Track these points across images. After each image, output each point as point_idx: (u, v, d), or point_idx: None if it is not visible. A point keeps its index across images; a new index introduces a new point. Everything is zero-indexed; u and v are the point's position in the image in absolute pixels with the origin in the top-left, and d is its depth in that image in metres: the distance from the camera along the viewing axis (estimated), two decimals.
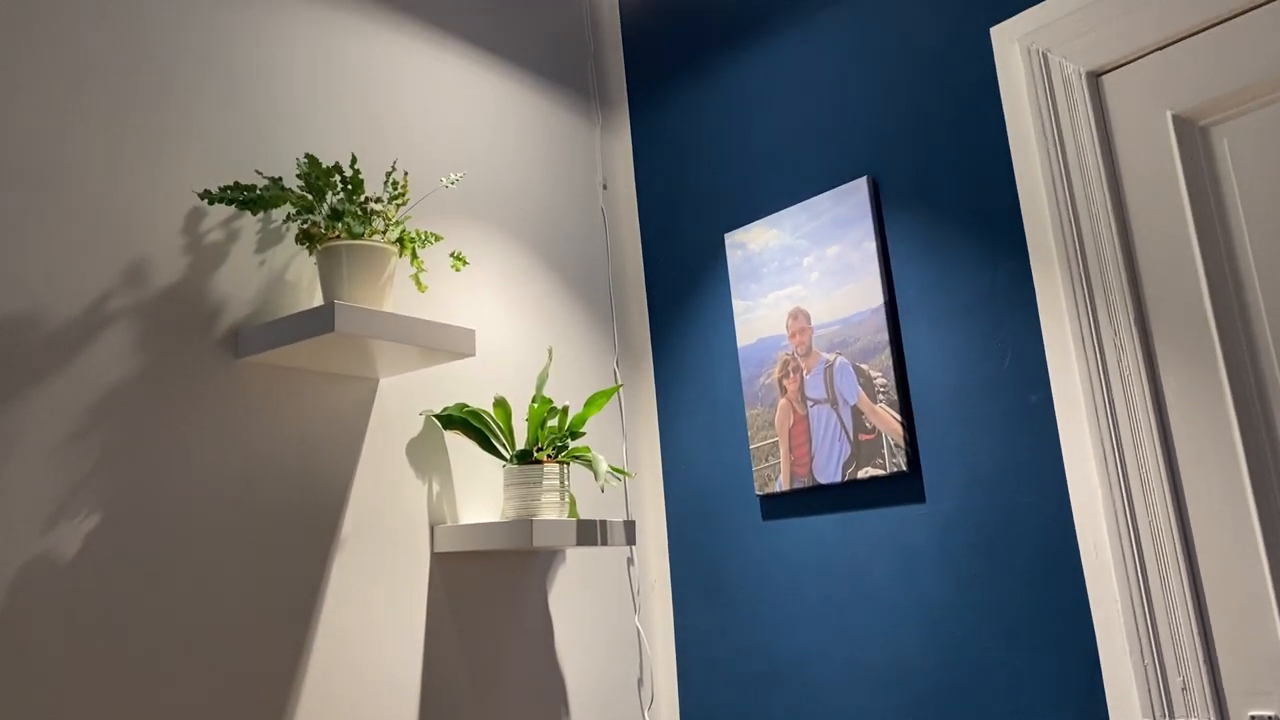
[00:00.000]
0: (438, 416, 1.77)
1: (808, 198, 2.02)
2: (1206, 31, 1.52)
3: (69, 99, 1.43)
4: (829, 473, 1.88)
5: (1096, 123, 1.62)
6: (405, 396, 1.78)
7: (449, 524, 1.78)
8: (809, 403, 1.93)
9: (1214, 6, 1.50)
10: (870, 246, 1.88)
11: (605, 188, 2.41)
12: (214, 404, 1.50)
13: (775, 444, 1.98)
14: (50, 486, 1.30)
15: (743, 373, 2.06)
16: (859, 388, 1.85)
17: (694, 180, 2.28)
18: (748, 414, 2.04)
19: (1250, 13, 1.48)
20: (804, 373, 1.95)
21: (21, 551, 1.26)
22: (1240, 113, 1.50)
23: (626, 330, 2.33)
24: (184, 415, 1.46)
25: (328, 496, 1.62)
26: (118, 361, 1.40)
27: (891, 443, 1.79)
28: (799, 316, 1.98)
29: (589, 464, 1.74)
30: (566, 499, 1.76)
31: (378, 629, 1.64)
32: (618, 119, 2.47)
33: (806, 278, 1.97)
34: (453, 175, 1.79)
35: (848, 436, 1.86)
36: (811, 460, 1.91)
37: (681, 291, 2.26)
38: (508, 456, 1.78)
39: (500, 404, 1.81)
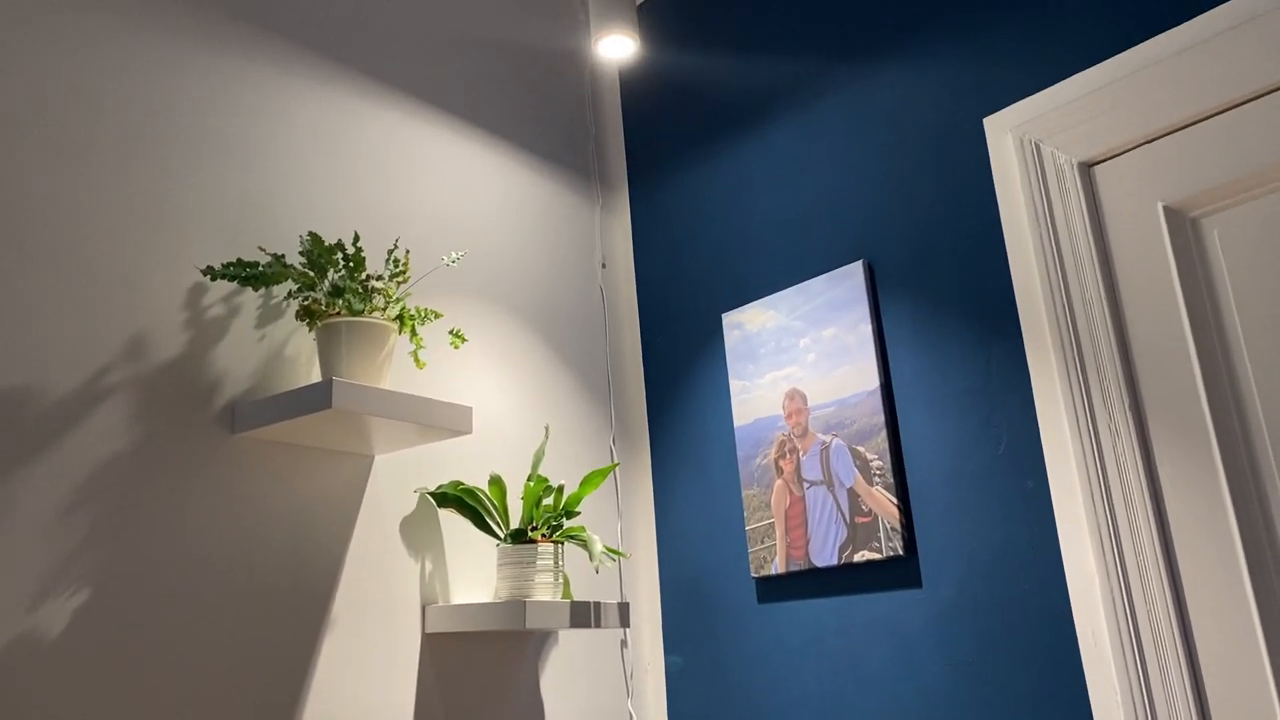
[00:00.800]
0: (432, 494, 1.76)
1: (804, 280, 2.04)
2: (1194, 126, 1.56)
3: (76, 174, 1.45)
4: (825, 556, 1.86)
5: (1089, 212, 1.65)
6: (400, 473, 1.77)
7: (441, 604, 1.76)
8: (805, 484, 1.93)
9: (1200, 102, 1.54)
10: (866, 329, 1.89)
11: (604, 266, 2.43)
12: (208, 479, 1.49)
13: (771, 525, 1.97)
14: (38, 564, 1.29)
15: (739, 452, 2.06)
16: (855, 470, 1.85)
17: (692, 260, 2.30)
18: (744, 494, 2.03)
19: (1237, 108, 1.52)
20: (800, 454, 1.95)
21: (6, 630, 1.25)
22: (1229, 205, 1.53)
23: (623, 408, 2.34)
24: (178, 490, 1.45)
25: (320, 574, 1.60)
26: (113, 436, 1.40)
27: (888, 526, 1.78)
28: (795, 397, 1.98)
29: (584, 544, 1.73)
30: (561, 579, 1.74)
31: (367, 710, 1.61)
32: (617, 199, 2.51)
33: (803, 359, 1.98)
34: (454, 254, 1.82)
35: (844, 519, 1.85)
36: (808, 542, 1.90)
37: (679, 370, 2.27)
38: (502, 535, 1.77)
39: (495, 482, 1.81)
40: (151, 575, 1.39)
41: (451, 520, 1.84)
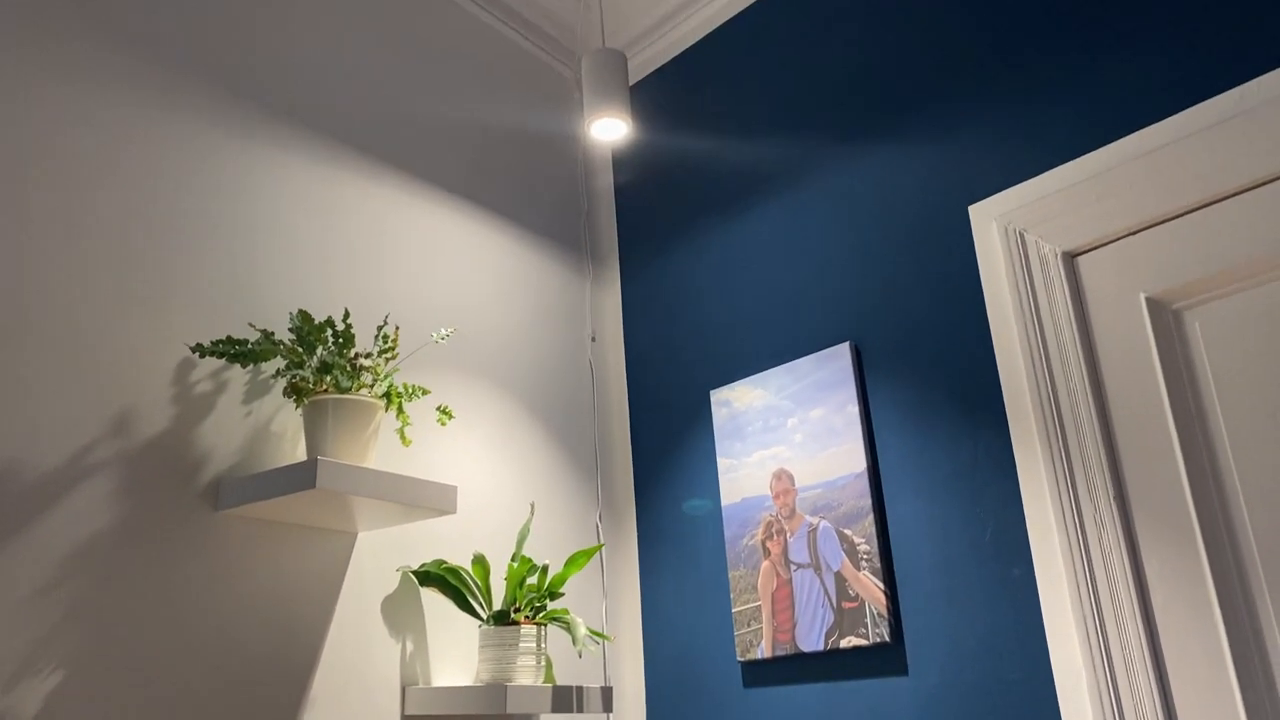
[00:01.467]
0: (415, 573, 1.75)
1: (792, 360, 2.05)
2: (1176, 219, 1.59)
3: (69, 248, 1.46)
4: (812, 640, 1.84)
5: (1073, 301, 1.67)
6: (383, 551, 1.76)
7: (421, 685, 1.74)
8: (792, 566, 1.91)
9: (1182, 196, 1.56)
10: (853, 411, 1.90)
11: (594, 340, 2.44)
12: (190, 556, 1.48)
13: (758, 608, 1.95)
14: (15, 642, 1.27)
15: (726, 532, 2.05)
16: (842, 553, 1.84)
17: (681, 336, 2.32)
18: (730, 576, 2.02)
19: (1218, 204, 1.54)
20: (788, 535, 1.94)
21: None
22: (1211, 298, 1.55)
23: (610, 484, 2.33)
24: (159, 568, 1.44)
25: (301, 653, 1.58)
26: (96, 512, 1.39)
27: (875, 612, 1.77)
28: (783, 477, 1.98)
29: (567, 627, 1.71)
30: (543, 662, 1.72)
31: None
32: (608, 273, 2.53)
33: (791, 438, 1.98)
34: (443, 330, 1.82)
35: (831, 604, 1.83)
36: (794, 626, 1.88)
37: (666, 447, 2.27)
38: (484, 616, 1.75)
39: (479, 561, 1.79)
40: (131, 654, 1.37)
41: (434, 600, 1.82)
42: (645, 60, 2.62)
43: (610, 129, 2.05)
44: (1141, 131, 1.64)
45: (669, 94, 2.54)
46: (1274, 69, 1.52)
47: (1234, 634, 1.43)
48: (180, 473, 1.50)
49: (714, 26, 2.47)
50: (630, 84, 2.59)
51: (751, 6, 2.39)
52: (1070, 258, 1.70)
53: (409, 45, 2.20)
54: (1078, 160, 1.70)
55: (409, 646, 1.75)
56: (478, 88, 2.35)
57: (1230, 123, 1.54)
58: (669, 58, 2.57)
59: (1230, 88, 1.56)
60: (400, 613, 1.76)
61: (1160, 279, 1.59)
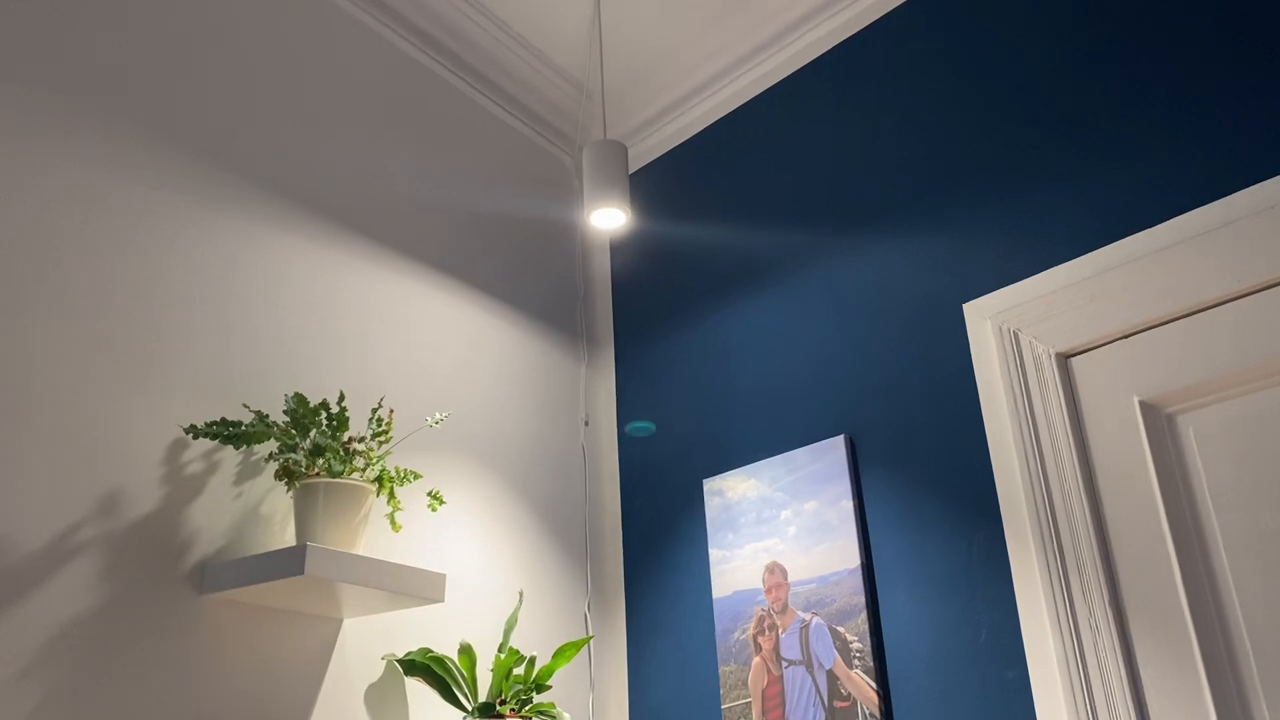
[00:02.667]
0: (400, 661, 1.72)
1: (786, 451, 2.05)
2: (1170, 324, 1.60)
3: (64, 326, 1.46)
4: None
5: (1067, 402, 1.67)
6: (369, 638, 1.73)
7: None
8: (784, 663, 1.88)
9: (1174, 302, 1.58)
10: (847, 505, 1.89)
11: (587, 424, 2.44)
12: (172, 641, 1.45)
13: (748, 705, 1.91)
14: None
15: (717, 626, 2.02)
16: (835, 651, 1.81)
17: (675, 423, 2.31)
18: (721, 671, 1.98)
19: (1212, 309, 1.56)
20: (780, 631, 1.91)
21: None
22: (1204, 404, 1.56)
23: (600, 573, 2.30)
24: (139, 652, 1.41)
25: None
26: (79, 593, 1.37)
27: (867, 712, 1.74)
28: (776, 571, 1.96)
29: None
30: None
31: None
32: (603, 358, 2.54)
33: (784, 531, 1.97)
34: (438, 415, 1.82)
35: (822, 703, 1.80)
36: None
37: (658, 535, 2.25)
38: (469, 709, 1.71)
39: (465, 651, 1.76)
40: None
41: (418, 689, 1.79)
42: (645, 150, 2.67)
43: (609, 218, 2.08)
44: (1135, 236, 1.67)
45: (668, 183, 2.58)
46: (1260, 181, 1.55)
47: None
48: (166, 555, 1.48)
49: (713, 119, 2.52)
50: (630, 172, 2.63)
51: (751, 100, 2.44)
52: (1064, 358, 1.71)
53: (412, 130, 2.23)
54: (1072, 262, 1.73)
55: None
56: (479, 173, 2.38)
57: (1219, 231, 1.56)
58: (668, 148, 2.61)
59: (1219, 198, 1.59)
60: (384, 702, 1.72)
61: (1154, 383, 1.60)
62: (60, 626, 1.34)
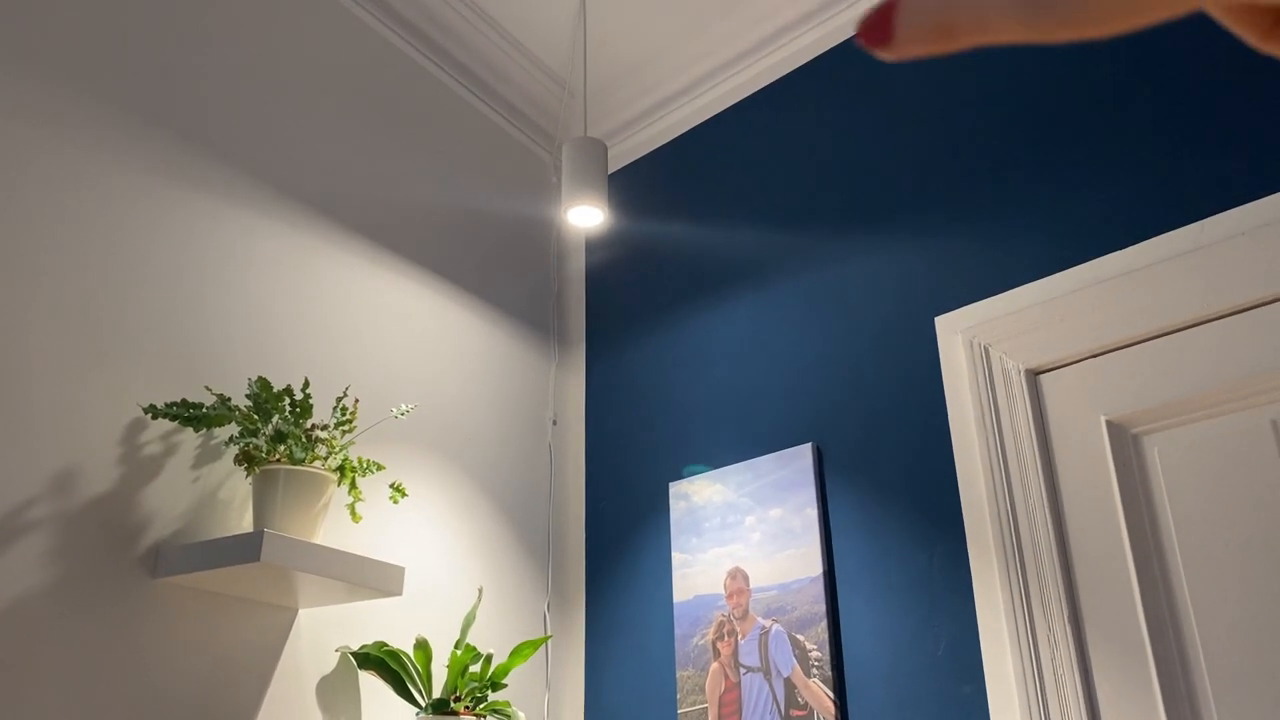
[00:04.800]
0: (354, 654, 1.69)
1: (753, 457, 2.04)
2: (1139, 345, 1.61)
3: (22, 298, 1.43)
4: None
5: (1034, 417, 1.68)
6: (323, 629, 1.70)
7: None
8: (742, 670, 1.88)
9: (1143, 323, 1.59)
10: (812, 513, 1.88)
11: (555, 423, 2.42)
12: (122, 624, 1.42)
13: (704, 710, 1.90)
14: None
15: (676, 630, 2.01)
16: (794, 659, 1.81)
17: (643, 425, 2.30)
18: (678, 675, 1.97)
19: (1180, 332, 1.57)
20: (739, 637, 1.90)
21: None
22: (1169, 425, 1.57)
23: (561, 573, 2.28)
24: (87, 634, 1.38)
25: None
26: (26, 572, 1.33)
27: None
28: (738, 577, 1.95)
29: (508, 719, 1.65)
30: None
31: None
32: (574, 358, 2.52)
33: (748, 537, 1.96)
34: (404, 406, 1.80)
35: (779, 711, 1.79)
36: None
37: (621, 537, 2.24)
38: (423, 705, 1.69)
39: (421, 646, 1.74)
40: None
41: (371, 683, 1.76)
42: (624, 151, 2.66)
43: (586, 216, 2.07)
44: (1106, 257, 1.68)
45: (645, 185, 2.57)
46: (1230, 208, 1.57)
47: None
48: (120, 536, 1.45)
49: (694, 123, 2.52)
50: (608, 173, 2.62)
51: (732, 107, 2.44)
52: (1033, 375, 1.72)
53: (390, 118, 2.21)
54: (1045, 280, 1.74)
55: None
56: (455, 165, 2.36)
57: (1192, 254, 1.58)
58: (647, 151, 2.61)
59: (1192, 221, 1.61)
60: (336, 695, 1.69)
61: (1121, 403, 1.61)
62: (7, 604, 1.30)
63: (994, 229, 1.85)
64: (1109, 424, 1.61)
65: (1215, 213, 1.59)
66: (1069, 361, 1.68)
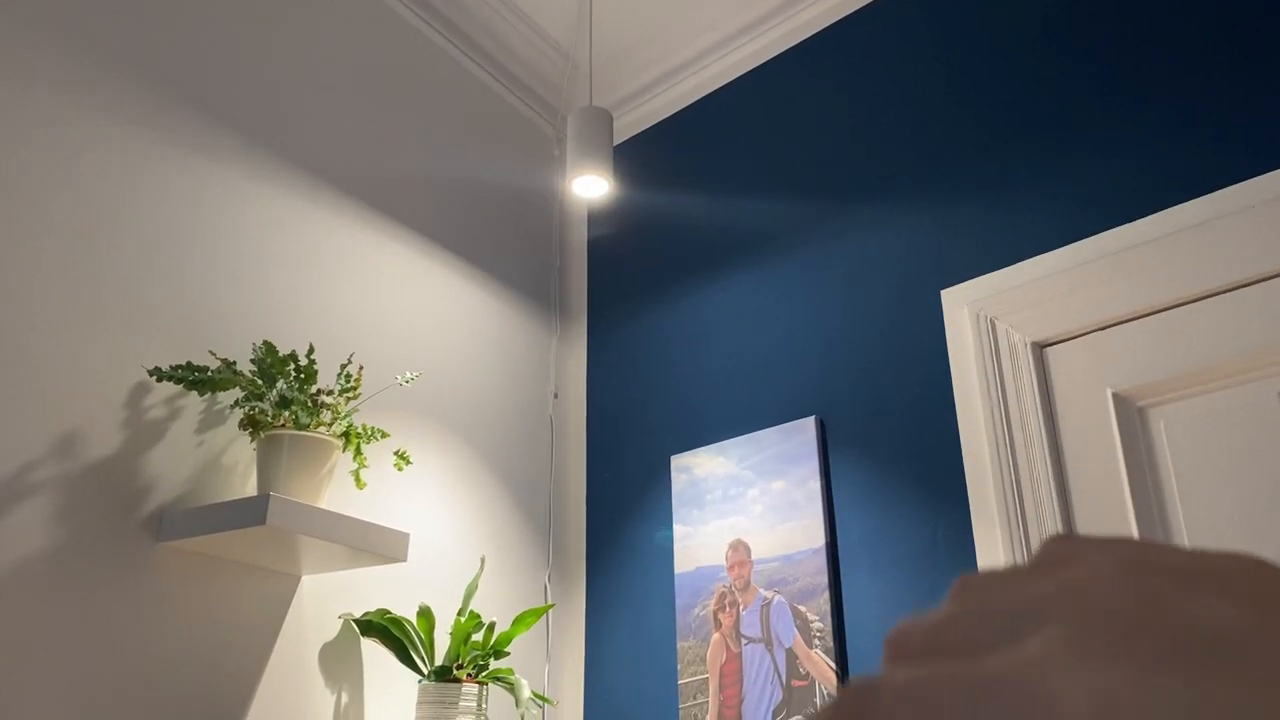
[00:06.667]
0: (357, 621, 1.69)
1: (756, 430, 2.04)
2: (1145, 318, 1.61)
3: (27, 261, 1.42)
4: (759, 718, 1.80)
5: (1040, 390, 1.68)
6: (326, 596, 1.70)
7: None
8: (743, 640, 1.88)
9: (1150, 297, 1.59)
10: (815, 486, 1.89)
11: (556, 396, 2.42)
12: (126, 588, 1.41)
13: (705, 681, 1.91)
14: None
15: (677, 601, 2.01)
16: (795, 630, 1.81)
17: (645, 398, 2.30)
18: (679, 646, 1.98)
19: (1185, 306, 1.57)
20: (740, 608, 1.91)
21: None
22: (1175, 398, 1.57)
23: (562, 544, 2.28)
24: (91, 597, 1.37)
25: (232, 697, 1.51)
26: (30, 535, 1.33)
27: (825, 692, 1.74)
28: (739, 548, 1.95)
29: (511, 687, 1.66)
30: None
31: None
32: (575, 330, 2.52)
33: (750, 510, 1.96)
34: (409, 374, 1.79)
35: (780, 681, 1.80)
36: (741, 702, 1.84)
37: (622, 509, 2.24)
38: (425, 671, 1.69)
39: (424, 614, 1.74)
40: (56, 684, 1.30)
41: (374, 650, 1.76)
42: (628, 124, 2.64)
43: (591, 186, 2.05)
44: (1114, 230, 1.67)
45: (648, 158, 2.56)
46: (1239, 181, 1.56)
47: None
48: (124, 500, 1.45)
49: (698, 96, 2.50)
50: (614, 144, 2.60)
51: (738, 79, 2.43)
52: (1040, 348, 1.71)
53: (394, 87, 2.19)
54: (1052, 253, 1.73)
55: (344, 698, 1.68)
56: (459, 136, 2.34)
57: (1200, 228, 1.57)
58: (653, 122, 2.59)
59: (1201, 195, 1.60)
60: (338, 662, 1.69)
61: (1127, 376, 1.61)
62: (11, 568, 1.30)
63: (1001, 202, 1.84)
64: (1115, 397, 1.61)
65: (1223, 187, 1.59)
66: (1075, 334, 1.68)
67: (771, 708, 1.79)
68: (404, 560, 1.58)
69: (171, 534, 1.46)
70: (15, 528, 1.32)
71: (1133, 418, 1.60)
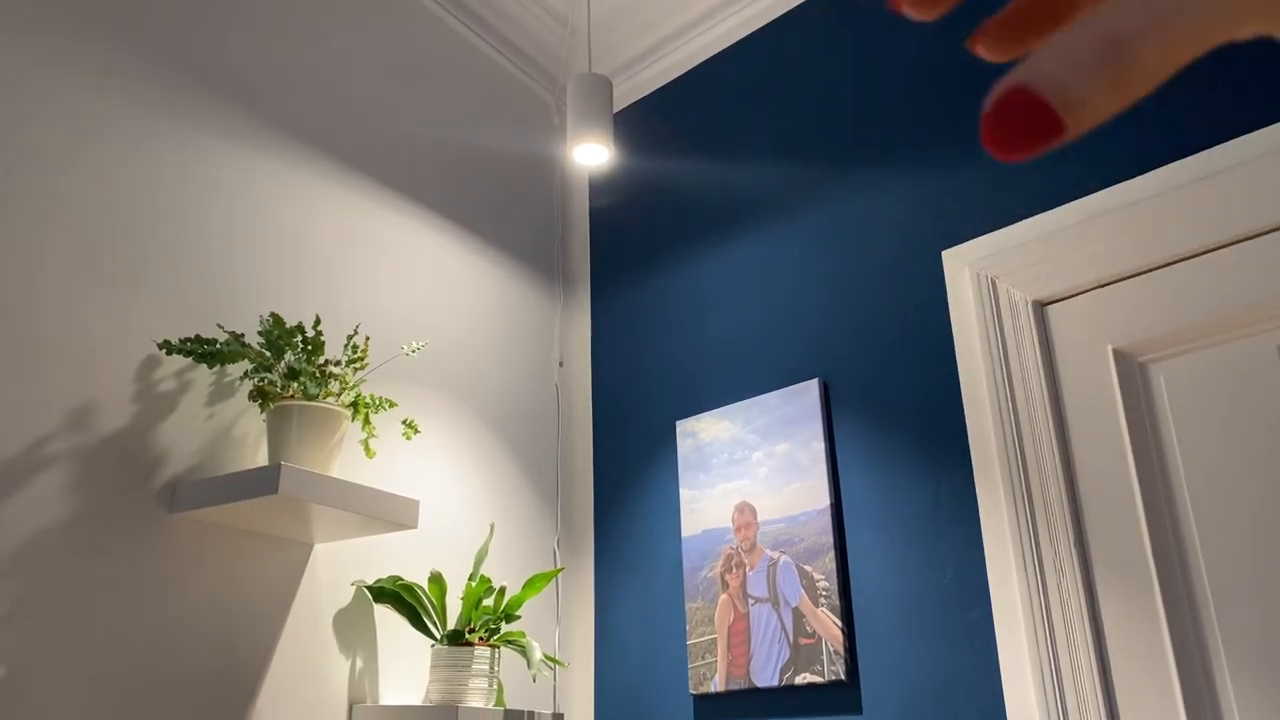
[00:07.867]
0: (369, 588, 1.72)
1: (760, 394, 2.06)
2: (1145, 275, 1.62)
3: (36, 236, 1.43)
4: (766, 676, 1.83)
5: (1041, 349, 1.69)
6: (339, 564, 1.73)
7: (369, 703, 1.70)
8: (750, 600, 1.91)
9: (1151, 253, 1.60)
10: (819, 447, 1.90)
11: (561, 365, 2.44)
12: (140, 558, 1.44)
13: (713, 641, 1.94)
14: None
15: (685, 564, 2.04)
16: (801, 589, 1.84)
17: (649, 365, 2.31)
18: (687, 607, 2.01)
19: (1185, 261, 1.58)
20: (747, 569, 1.93)
21: None
22: (1175, 354, 1.58)
23: (570, 510, 2.31)
24: (106, 569, 1.40)
25: (247, 665, 1.54)
26: (45, 507, 1.35)
27: (831, 649, 1.77)
28: (745, 510, 1.98)
29: (522, 650, 1.68)
30: (494, 685, 1.69)
31: None
32: (579, 299, 2.53)
33: (755, 472, 1.98)
34: (415, 344, 1.81)
35: (787, 639, 1.83)
36: (749, 660, 1.87)
37: (629, 475, 2.26)
38: (438, 636, 1.72)
39: (435, 580, 1.76)
40: (71, 656, 1.33)
41: (387, 616, 1.79)
42: (628, 90, 2.64)
43: (592, 154, 2.06)
44: (1114, 187, 1.68)
45: (648, 124, 2.56)
46: (1240, 135, 1.57)
47: (1187, 681, 1.45)
48: (136, 472, 1.47)
49: (698, 61, 2.49)
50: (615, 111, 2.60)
51: (737, 44, 2.42)
52: (1040, 306, 1.72)
53: (394, 59, 2.19)
54: (1051, 211, 1.74)
55: (359, 663, 1.71)
56: (459, 105, 2.34)
57: (1197, 184, 1.58)
58: (652, 88, 2.59)
59: (1198, 151, 1.60)
60: (352, 628, 1.72)
61: (1128, 332, 1.62)
62: (25, 539, 1.32)
63: (1000, 162, 1.84)
64: (1116, 353, 1.62)
65: (1221, 141, 1.59)
66: (1076, 292, 1.69)
67: (779, 665, 1.82)
68: (415, 527, 1.60)
69: (185, 505, 1.48)
70: (31, 501, 1.34)
71: (1133, 374, 1.61)
